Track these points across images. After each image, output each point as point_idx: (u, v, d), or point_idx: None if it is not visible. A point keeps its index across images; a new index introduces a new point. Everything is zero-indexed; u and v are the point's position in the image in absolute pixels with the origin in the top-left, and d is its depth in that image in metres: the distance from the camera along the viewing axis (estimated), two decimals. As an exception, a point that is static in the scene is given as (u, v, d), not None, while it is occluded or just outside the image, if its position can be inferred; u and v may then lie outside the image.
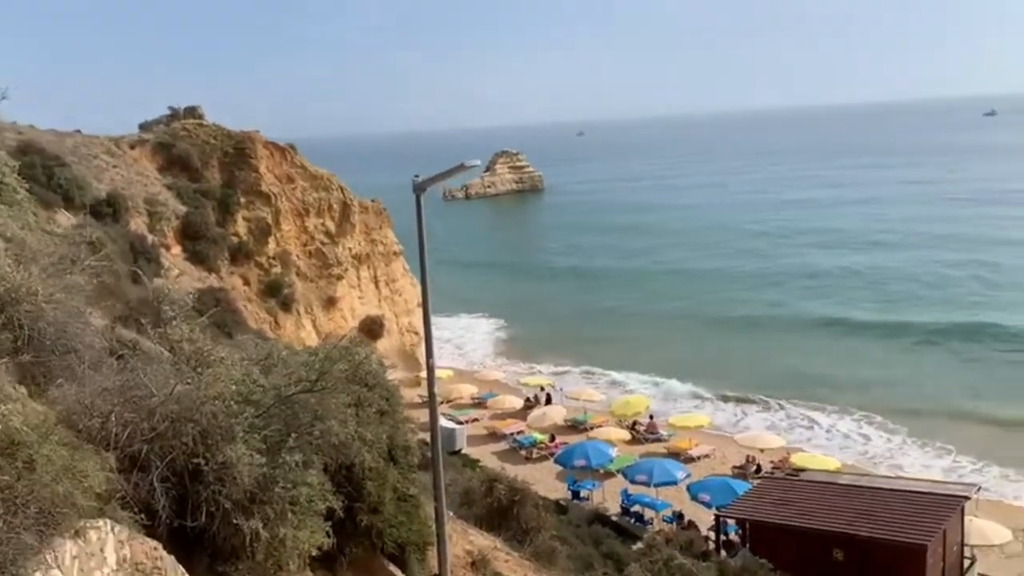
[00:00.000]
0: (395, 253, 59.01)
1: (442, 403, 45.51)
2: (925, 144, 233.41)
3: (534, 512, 13.02)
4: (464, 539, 11.08)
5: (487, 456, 38.53)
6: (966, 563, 25.47)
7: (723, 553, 26.37)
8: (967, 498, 24.75)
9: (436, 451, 9.92)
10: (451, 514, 11.79)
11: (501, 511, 12.82)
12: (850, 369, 50.98)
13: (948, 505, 24.13)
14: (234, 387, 7.56)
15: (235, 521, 7.11)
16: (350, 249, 53.17)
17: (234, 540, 7.19)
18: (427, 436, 10.59)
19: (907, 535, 22.73)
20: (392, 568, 9.04)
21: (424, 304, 10.44)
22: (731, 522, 28.27)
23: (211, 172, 46.34)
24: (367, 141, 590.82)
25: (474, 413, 45.86)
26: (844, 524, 23.76)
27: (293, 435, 7.63)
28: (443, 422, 38.50)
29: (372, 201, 57.91)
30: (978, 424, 41.96)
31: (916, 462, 38.61)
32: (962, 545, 25.16)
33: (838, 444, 41.43)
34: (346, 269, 51.89)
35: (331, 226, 51.98)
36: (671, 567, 11.44)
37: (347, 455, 8.25)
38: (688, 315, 66.38)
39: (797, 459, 35.09)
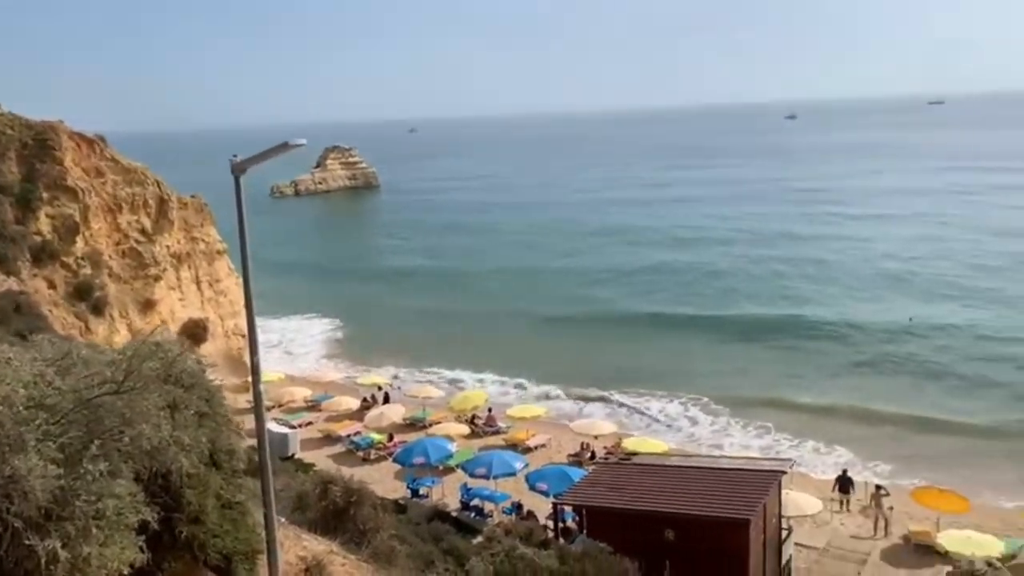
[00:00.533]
0: (219, 252, 56.06)
1: (273, 407, 43.79)
2: (735, 146, 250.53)
3: (372, 513, 12.53)
4: (297, 545, 10.46)
5: (322, 460, 37.33)
6: (783, 534, 27.14)
7: (561, 540, 26.84)
8: (784, 472, 26.36)
9: (263, 454, 9.28)
10: (282, 520, 11.12)
11: (337, 514, 12.25)
12: (676, 361, 53.52)
13: (767, 480, 25.56)
14: (23, 390, 6.67)
15: (28, 542, 6.27)
16: (168, 248, 49.98)
17: (27, 563, 6.33)
18: (255, 442, 9.88)
19: (731, 511, 23.89)
20: (217, 581, 8.35)
21: (246, 294, 9.71)
22: (568, 509, 28.82)
23: (7, 165, 42.24)
24: (187, 137, 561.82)
25: (308, 416, 44.42)
26: (673, 504, 24.72)
27: (97, 442, 6.82)
28: (274, 427, 37.01)
29: (192, 197, 54.79)
30: (793, 408, 45.12)
31: (737, 442, 41.04)
32: (779, 517, 26.79)
33: (666, 428, 43.33)
34: (164, 269, 48.71)
35: (147, 223, 48.63)
36: (512, 557, 11.32)
37: (162, 461, 7.51)
38: (522, 313, 67.26)
39: (629, 444, 36.35)
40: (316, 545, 10.73)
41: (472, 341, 59.29)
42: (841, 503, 32.39)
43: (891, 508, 31.50)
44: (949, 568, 28.08)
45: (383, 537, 12.00)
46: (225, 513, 8.42)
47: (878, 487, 32.36)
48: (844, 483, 32.79)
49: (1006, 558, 28.31)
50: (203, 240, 54.65)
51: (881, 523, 31.07)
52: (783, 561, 27.03)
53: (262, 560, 9.24)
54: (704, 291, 72.31)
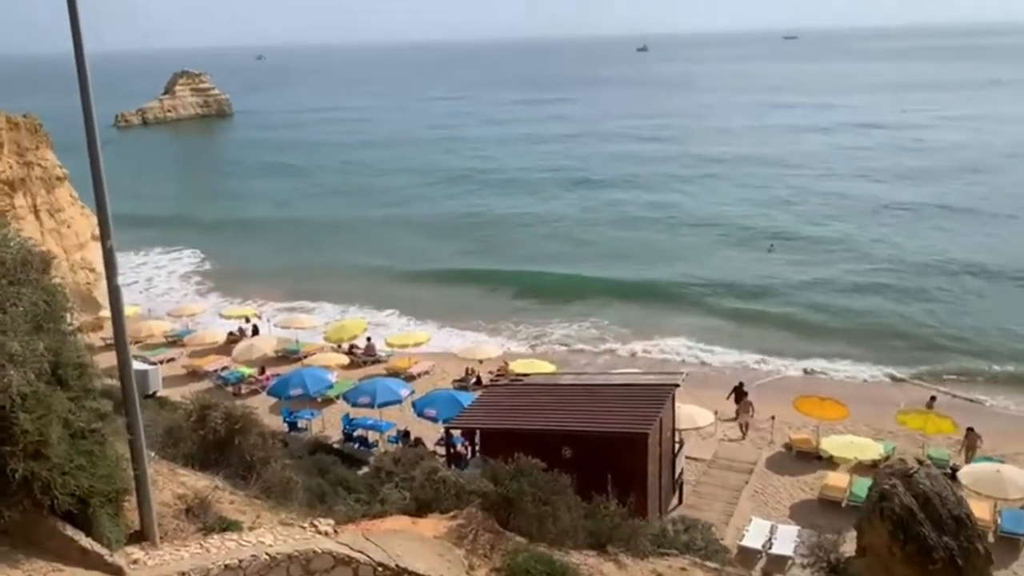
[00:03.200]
0: (59, 178, 50.66)
1: (130, 344, 40.25)
2: (590, 76, 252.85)
3: (259, 441, 10.74)
4: (173, 482, 8.63)
5: (188, 397, 34.57)
6: (676, 447, 27.05)
7: (452, 467, 25.78)
8: (677, 386, 26.07)
9: (127, 374, 7.34)
10: (152, 455, 9.17)
11: (218, 444, 10.41)
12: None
13: (661, 394, 25.22)
14: None
15: None
16: (-2, 172, 44.73)
17: None
18: (116, 383, 7.89)
19: (629, 426, 23.41)
20: (70, 531, 6.45)
21: (100, 210, 7.55)
22: (457, 433, 27.75)
23: None
24: (26, 63, 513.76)
25: (169, 352, 41.18)
26: (570, 422, 24.00)
27: None
28: (138, 365, 33.88)
29: (24, 117, 49.09)
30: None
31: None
32: (674, 430, 26.62)
33: (555, 349, 42.86)
34: (-6, 196, 43.61)
35: (-33, 145, 43.19)
36: (433, 481, 9.89)
37: (-19, 378, 5.55)
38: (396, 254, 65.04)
39: (516, 366, 35.44)
40: (196, 481, 8.91)
41: (345, 275, 56.64)
42: (737, 414, 32.85)
43: (754, 414, 32.65)
44: (830, 473, 29.19)
45: (275, 468, 10.26)
46: (77, 444, 6.50)
47: (744, 392, 33.52)
48: (740, 394, 33.18)
49: (883, 459, 29.58)
50: (39, 164, 49.18)
51: (745, 428, 32.27)
52: (676, 474, 27.01)
53: (130, 502, 7.39)
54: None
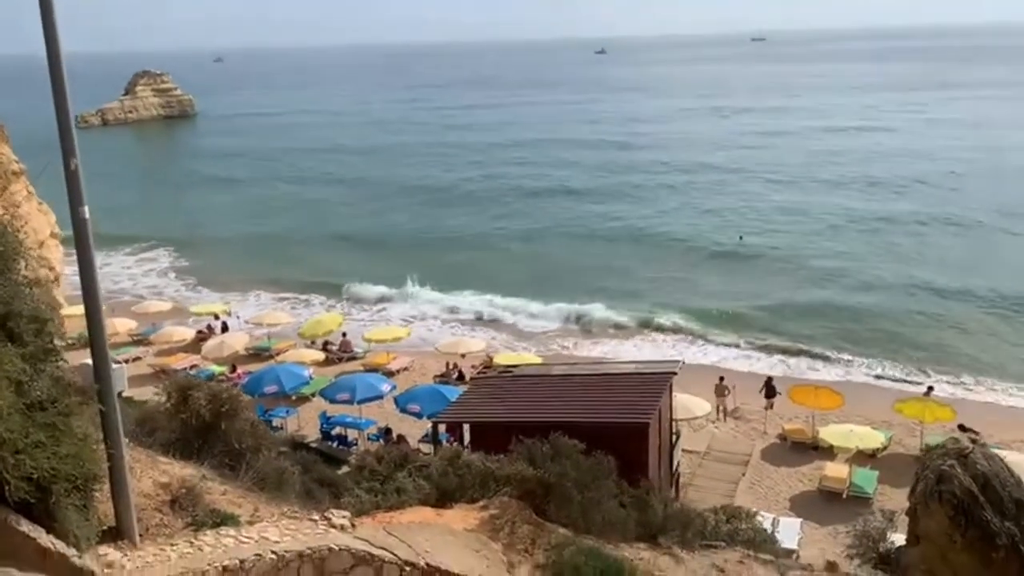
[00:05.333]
0: (15, 173, 48.41)
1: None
2: (555, 77, 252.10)
3: (248, 427, 9.33)
4: (154, 470, 7.23)
5: (155, 397, 32.79)
6: (673, 439, 25.90)
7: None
8: (674, 374, 24.90)
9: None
10: (127, 441, 7.69)
11: (201, 430, 8.98)
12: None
13: (659, 383, 24.04)
14: None
15: None
16: (-52, 166, 42.43)
17: None
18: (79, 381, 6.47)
19: (629, 416, 22.19)
20: (25, 526, 5.03)
21: (72, 198, 6.14)
22: (442, 429, 26.37)
23: None
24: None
25: (135, 351, 39.20)
26: (566, 414, 22.67)
27: None
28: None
29: (-24, 109, 46.92)
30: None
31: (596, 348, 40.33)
32: (671, 421, 25.47)
33: (535, 341, 41.69)
34: (-56, 191, 41.32)
35: (-85, 137, 40.91)
36: (458, 466, 8.56)
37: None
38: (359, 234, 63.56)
39: (500, 360, 34.10)
40: (180, 470, 7.49)
41: (316, 265, 55.03)
42: (766, 408, 32.11)
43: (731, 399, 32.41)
44: (828, 463, 28.29)
45: (268, 457, 8.85)
46: (34, 416, 5.09)
47: (721, 378, 32.97)
48: (770, 389, 32.23)
49: (882, 448, 28.77)
50: (-6, 163, 46.98)
51: (722, 411, 31.96)
52: (673, 466, 25.87)
53: (102, 492, 5.97)
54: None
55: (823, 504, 26.32)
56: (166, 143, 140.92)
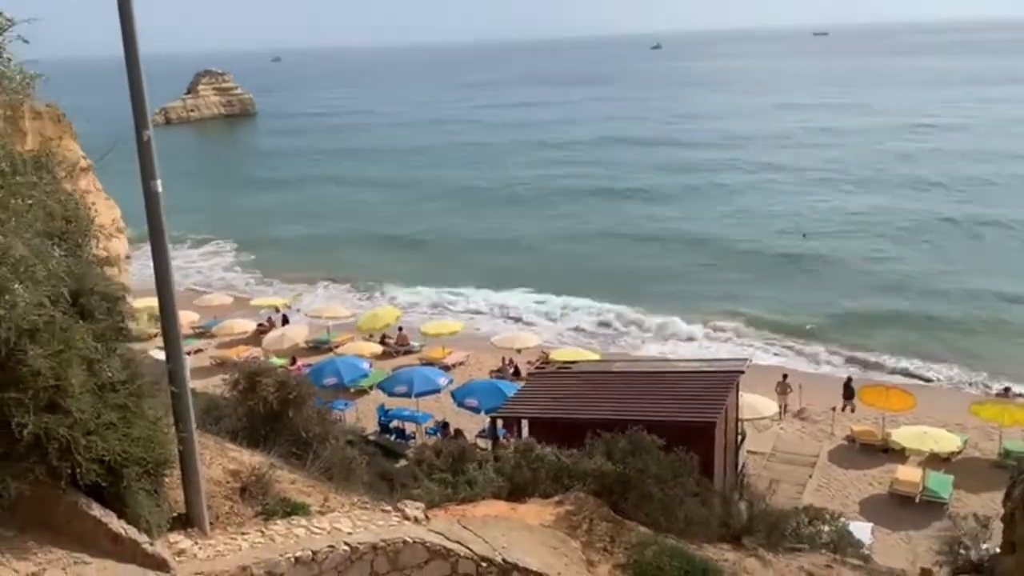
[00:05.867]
0: (83, 168, 49.62)
1: (156, 335, 38.94)
2: (615, 71, 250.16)
3: (315, 416, 9.12)
4: (223, 457, 7.04)
5: (217, 389, 33.18)
6: (739, 439, 25.23)
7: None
8: (742, 372, 24.22)
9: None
10: (195, 428, 7.50)
11: (269, 418, 8.80)
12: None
13: (726, 381, 23.40)
14: None
15: None
16: (22, 161, 43.62)
17: None
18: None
19: (695, 414, 21.62)
20: (97, 511, 4.82)
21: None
22: (499, 425, 26.08)
23: None
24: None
25: (197, 344, 39.80)
26: (630, 411, 22.14)
27: None
28: (158, 354, 32.52)
29: (47, 106, 48.03)
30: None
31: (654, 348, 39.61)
32: (737, 420, 24.81)
33: (585, 338, 41.22)
34: (19, 184, 42.47)
35: (-8, 132, 42.07)
36: (531, 459, 8.22)
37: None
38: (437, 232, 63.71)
39: (557, 355, 33.66)
40: (249, 457, 7.28)
41: (379, 263, 55.40)
42: (843, 408, 31.54)
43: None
44: (900, 466, 27.28)
45: (336, 446, 8.62)
46: (106, 397, 4.89)
47: (784, 376, 32.47)
48: (849, 390, 31.69)
49: (958, 451, 27.63)
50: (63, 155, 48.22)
51: (785, 410, 31.31)
52: (739, 467, 25.19)
53: (173, 477, 5.78)
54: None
55: (894, 508, 25.40)
56: (229, 141, 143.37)
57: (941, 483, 25.85)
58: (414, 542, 6.07)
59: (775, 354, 39.06)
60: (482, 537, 6.45)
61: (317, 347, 38.78)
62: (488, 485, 8.15)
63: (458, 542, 6.29)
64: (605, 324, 43.41)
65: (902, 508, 25.32)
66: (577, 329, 42.90)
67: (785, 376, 32.39)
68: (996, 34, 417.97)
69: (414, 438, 29.55)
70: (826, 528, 9.84)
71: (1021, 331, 40.51)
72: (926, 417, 30.36)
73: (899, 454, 27.75)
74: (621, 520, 7.28)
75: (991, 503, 25.90)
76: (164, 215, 5.88)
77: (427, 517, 6.51)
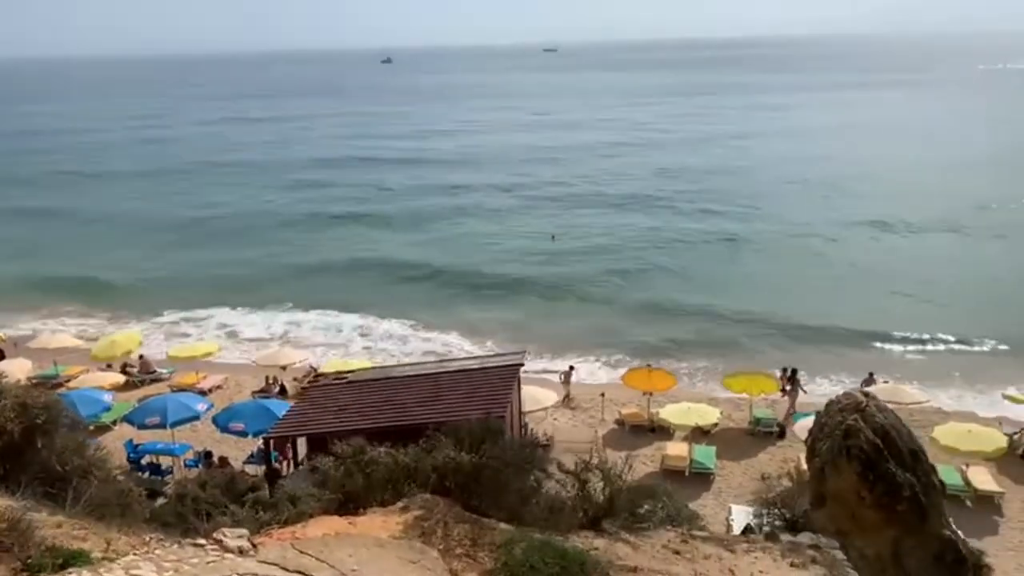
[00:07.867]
0: None
1: None
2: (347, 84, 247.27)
3: (72, 445, 7.22)
4: (-50, 503, 5.09)
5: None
6: (523, 431, 25.07)
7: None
8: (522, 365, 24.10)
9: None
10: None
11: (10, 453, 6.78)
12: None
13: (508, 375, 23.14)
14: None
15: None
16: None
17: None
18: None
19: (482, 410, 21.01)
20: None
21: None
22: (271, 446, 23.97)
23: None
24: None
25: None
26: (416, 414, 21.21)
27: None
28: None
29: None
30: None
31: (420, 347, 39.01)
32: (521, 413, 24.63)
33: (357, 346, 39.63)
34: None
35: None
36: (363, 463, 6.93)
37: None
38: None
39: (328, 367, 31.90)
40: (-9, 501, 5.41)
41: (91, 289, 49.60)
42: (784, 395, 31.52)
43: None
44: (668, 443, 28.54)
45: (104, 477, 6.84)
46: None
47: (571, 367, 33.57)
48: (793, 375, 31.75)
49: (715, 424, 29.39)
50: None
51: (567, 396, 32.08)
52: (524, 461, 25.01)
53: None
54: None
55: (668, 483, 26.32)
56: None
57: (706, 455, 27.35)
58: (245, 578, 4.68)
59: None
60: (326, 561, 5.18)
61: (44, 382, 33.82)
62: (314, 499, 6.80)
63: (298, 571, 4.97)
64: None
65: (674, 483, 26.29)
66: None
67: (572, 367, 33.38)
68: (711, 52, 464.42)
69: (171, 472, 26.52)
70: (661, 505, 9.53)
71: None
72: (686, 395, 32.22)
73: (666, 432, 29.07)
74: (478, 519, 6.30)
75: (751, 468, 27.94)
76: None
77: (253, 546, 5.11)
